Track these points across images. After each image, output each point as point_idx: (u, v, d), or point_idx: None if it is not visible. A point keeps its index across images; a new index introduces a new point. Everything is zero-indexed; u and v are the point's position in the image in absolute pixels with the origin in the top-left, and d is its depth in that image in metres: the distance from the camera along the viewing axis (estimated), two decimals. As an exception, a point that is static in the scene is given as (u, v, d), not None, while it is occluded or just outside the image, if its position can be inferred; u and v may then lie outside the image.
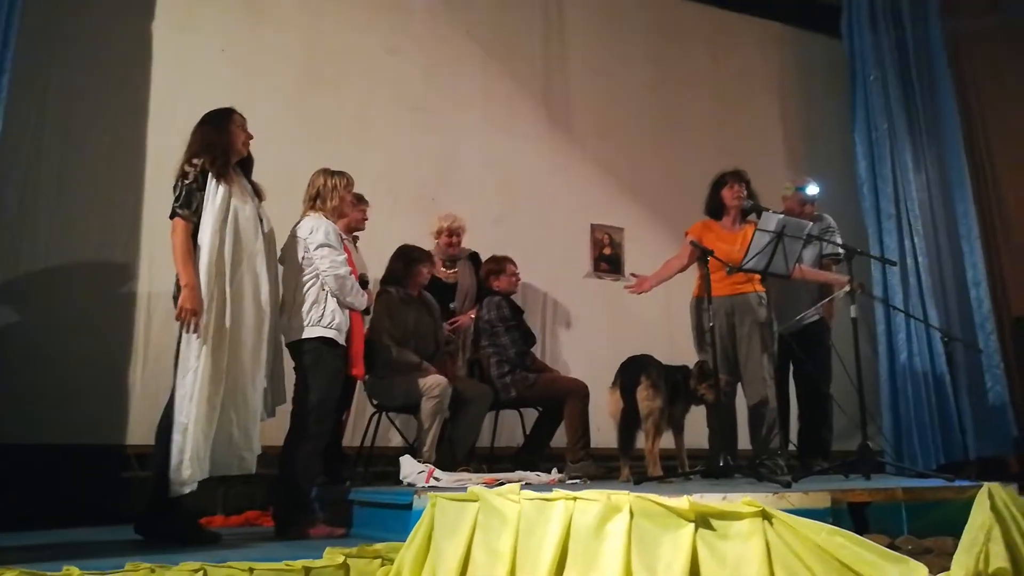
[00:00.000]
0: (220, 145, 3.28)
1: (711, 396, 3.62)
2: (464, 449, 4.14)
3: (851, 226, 5.62)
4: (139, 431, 4.15)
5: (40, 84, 4.29)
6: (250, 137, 3.42)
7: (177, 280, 3.17)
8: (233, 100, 4.61)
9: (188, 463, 2.99)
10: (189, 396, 3.02)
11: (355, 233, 4.25)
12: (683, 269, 4.20)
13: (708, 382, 3.62)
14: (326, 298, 3.47)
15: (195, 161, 3.22)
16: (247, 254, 3.24)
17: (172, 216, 3.19)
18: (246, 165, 3.43)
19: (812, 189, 4.64)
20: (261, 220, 3.35)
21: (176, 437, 3.00)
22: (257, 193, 3.40)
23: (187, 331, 3.08)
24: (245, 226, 3.25)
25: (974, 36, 6.54)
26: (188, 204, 3.16)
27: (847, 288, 3.71)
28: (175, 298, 3.19)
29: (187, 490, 3.00)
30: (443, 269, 4.70)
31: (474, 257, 4.79)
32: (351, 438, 4.38)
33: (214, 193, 3.17)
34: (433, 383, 3.94)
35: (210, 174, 3.19)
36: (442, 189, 5.33)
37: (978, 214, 6.10)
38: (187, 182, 3.18)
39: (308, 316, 3.43)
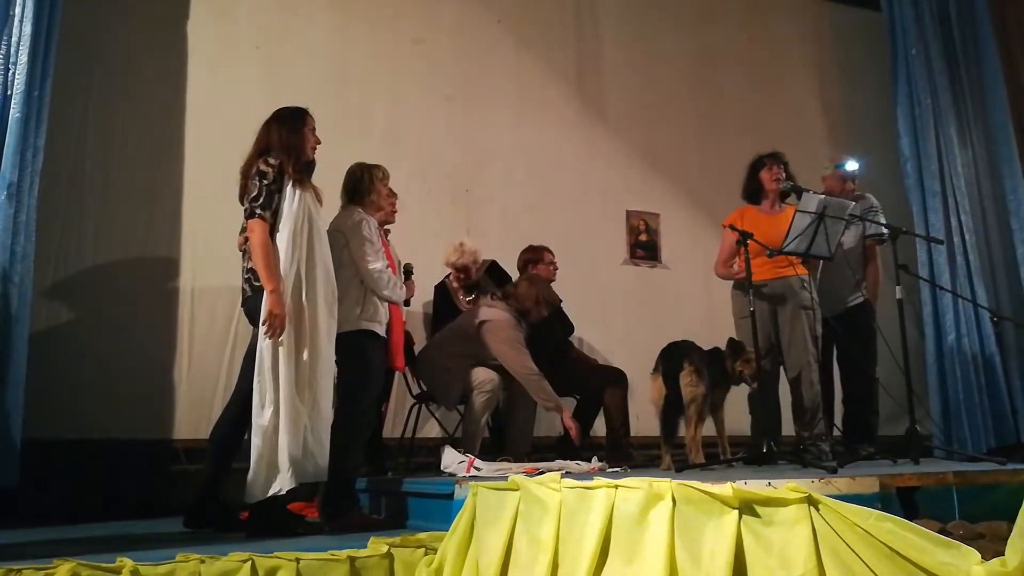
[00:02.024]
0: (297, 148, 3.18)
1: (749, 371, 3.58)
2: (526, 442, 4.13)
3: (895, 205, 5.48)
4: (186, 425, 4.25)
5: (81, 87, 4.38)
6: (319, 142, 3.34)
7: (249, 281, 3.14)
8: (267, 97, 4.68)
9: (277, 470, 2.97)
10: (269, 402, 2.98)
11: (387, 226, 4.25)
12: (731, 260, 4.11)
13: (742, 358, 3.58)
14: (366, 291, 3.47)
15: (272, 161, 3.13)
16: (321, 260, 3.17)
17: (251, 216, 3.10)
18: (309, 169, 3.32)
19: (851, 165, 4.53)
20: None
21: (256, 441, 2.99)
22: (317, 198, 3.33)
23: (269, 336, 3.00)
24: (320, 232, 3.19)
25: (1020, 3, 6.31)
26: (268, 205, 3.08)
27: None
28: (248, 299, 3.16)
29: (267, 495, 2.98)
30: (462, 298, 4.54)
31: (493, 268, 4.65)
32: (390, 430, 4.42)
33: (291, 197, 3.10)
34: (485, 378, 3.94)
35: (288, 177, 3.11)
36: (475, 179, 5.34)
37: (1028, 189, 5.91)
38: (267, 182, 3.09)
39: (350, 310, 3.43)
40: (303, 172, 3.18)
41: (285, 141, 3.18)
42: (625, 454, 4.14)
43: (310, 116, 3.33)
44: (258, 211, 3.09)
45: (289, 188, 3.12)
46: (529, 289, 4.09)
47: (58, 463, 3.90)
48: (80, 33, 4.35)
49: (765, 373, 3.75)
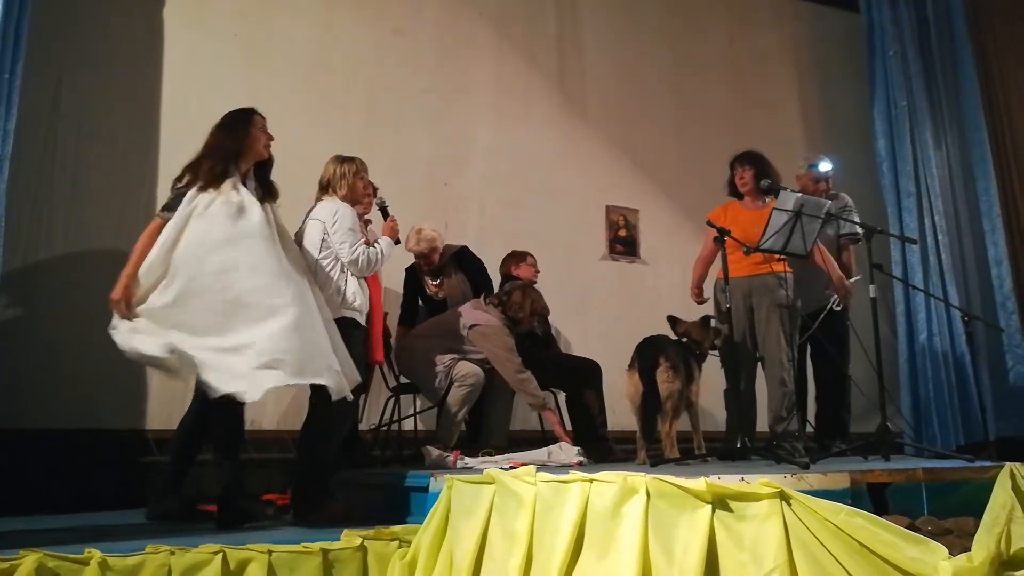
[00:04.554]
0: (225, 151, 3.16)
1: (709, 344, 3.77)
2: (502, 436, 4.13)
3: (870, 205, 5.54)
4: (158, 416, 4.20)
5: (53, 74, 4.29)
6: (271, 139, 3.31)
7: None
8: (244, 87, 4.63)
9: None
10: None
11: (365, 217, 4.20)
12: (712, 258, 4.19)
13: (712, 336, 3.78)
14: (346, 279, 3.44)
15: (194, 166, 3.14)
16: (208, 261, 3.02)
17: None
18: (265, 166, 3.31)
19: (825, 165, 4.58)
20: (269, 223, 3.18)
21: None
22: (271, 193, 3.28)
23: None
24: (215, 236, 3.05)
25: (995, 7, 6.40)
26: (171, 208, 3.07)
27: (856, 278, 3.86)
28: None
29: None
30: (430, 282, 4.48)
31: (461, 254, 4.54)
32: (366, 422, 4.40)
33: (191, 199, 3.07)
34: (469, 371, 3.93)
35: (199, 181, 3.09)
36: (454, 172, 5.32)
37: (1000, 191, 5.99)
38: (180, 186, 3.11)
39: (331, 298, 3.38)
40: (222, 176, 3.11)
41: (214, 144, 3.17)
42: (602, 448, 4.15)
43: (258, 115, 3.28)
44: (159, 212, 3.13)
45: (193, 191, 3.07)
46: (524, 300, 4.10)
47: (27, 453, 3.83)
48: (53, 16, 4.26)
49: (740, 368, 3.79)
